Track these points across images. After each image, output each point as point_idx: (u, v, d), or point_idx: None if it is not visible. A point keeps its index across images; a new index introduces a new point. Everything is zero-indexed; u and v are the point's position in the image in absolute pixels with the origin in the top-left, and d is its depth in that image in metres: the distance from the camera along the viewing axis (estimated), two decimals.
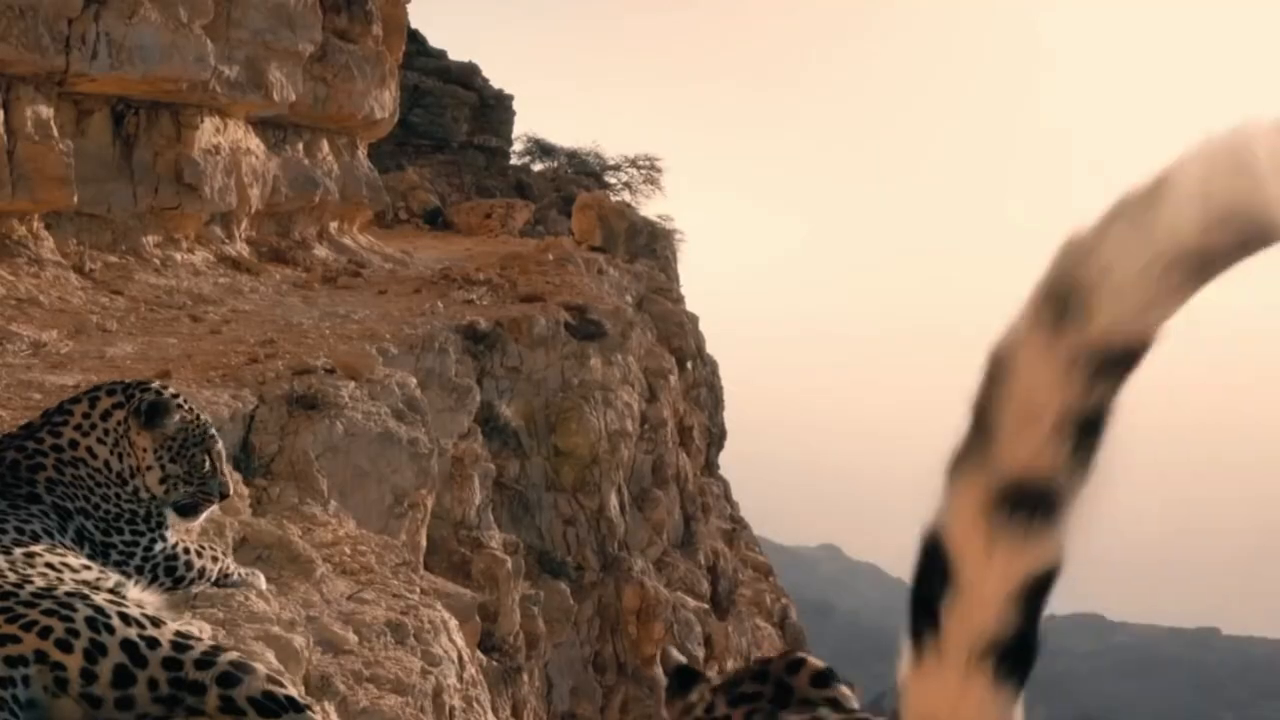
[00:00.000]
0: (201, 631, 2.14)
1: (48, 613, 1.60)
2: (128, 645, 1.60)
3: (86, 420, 2.32)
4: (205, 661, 1.63)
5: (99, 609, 1.64)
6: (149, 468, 2.35)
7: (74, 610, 1.61)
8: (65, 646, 1.57)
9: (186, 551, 2.43)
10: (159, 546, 2.35)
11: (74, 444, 2.29)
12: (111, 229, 8.31)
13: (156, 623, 1.68)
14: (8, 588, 1.65)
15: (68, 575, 1.83)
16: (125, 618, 1.64)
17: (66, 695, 1.57)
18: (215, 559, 2.54)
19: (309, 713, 1.67)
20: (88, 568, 1.94)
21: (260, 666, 1.68)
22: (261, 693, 1.62)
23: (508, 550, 7.59)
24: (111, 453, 2.32)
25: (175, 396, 2.44)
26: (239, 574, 2.62)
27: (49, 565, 1.84)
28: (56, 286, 7.06)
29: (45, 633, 1.57)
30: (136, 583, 2.30)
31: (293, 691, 1.68)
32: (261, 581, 2.68)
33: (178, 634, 1.67)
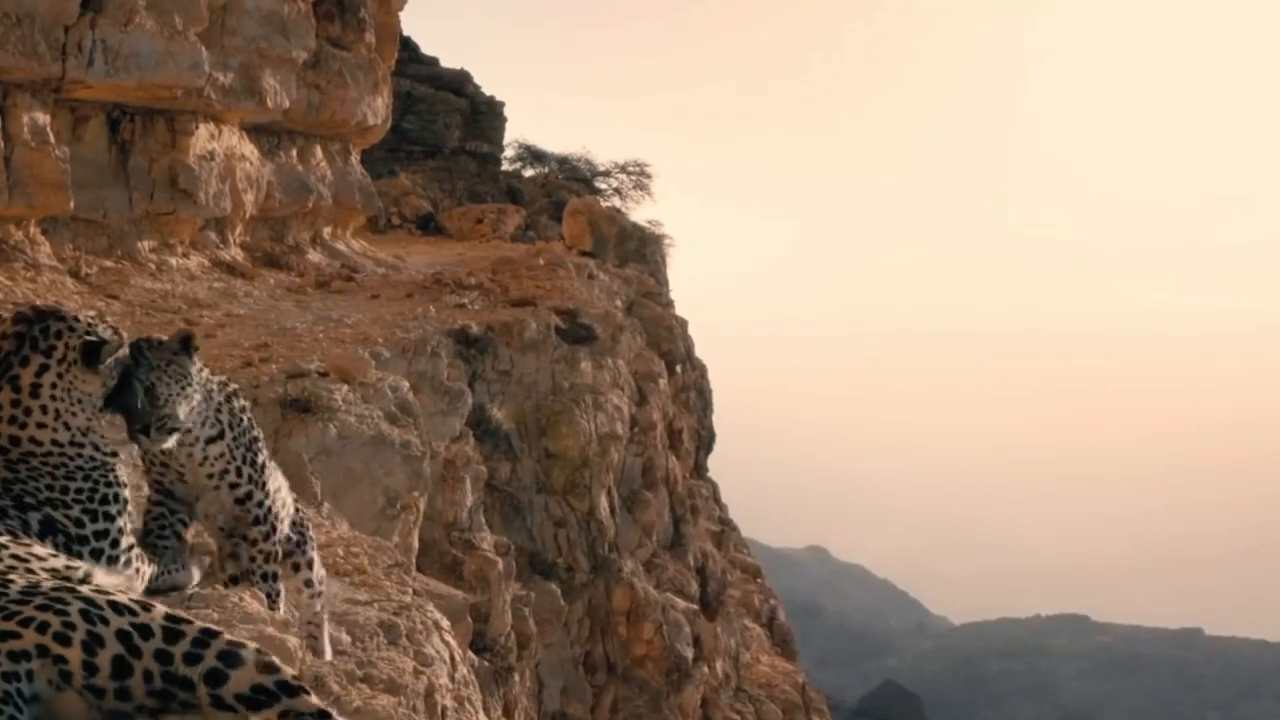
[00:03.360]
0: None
1: (41, 608, 1.61)
2: (123, 635, 1.62)
3: (18, 408, 2.13)
4: (194, 656, 1.63)
5: (90, 600, 1.65)
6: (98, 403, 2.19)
7: (67, 604, 1.62)
8: (64, 640, 1.58)
9: (131, 547, 2.36)
10: (125, 541, 2.27)
11: (15, 440, 2.12)
12: (107, 234, 8.38)
13: (146, 607, 1.69)
14: None
15: (36, 565, 1.82)
16: (116, 606, 1.65)
17: (70, 688, 1.61)
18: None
19: (303, 695, 1.68)
20: (55, 555, 1.92)
21: (249, 656, 1.67)
22: (250, 687, 1.64)
23: (499, 552, 7.70)
24: (56, 421, 2.15)
25: (74, 321, 2.19)
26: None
27: (15, 557, 1.83)
28: (53, 291, 7.14)
29: (43, 628, 1.58)
30: (108, 572, 2.23)
31: (285, 675, 1.69)
32: (195, 576, 2.64)
33: (168, 618, 1.68)
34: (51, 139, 7.50)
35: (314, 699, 1.72)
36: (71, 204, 7.59)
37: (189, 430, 2.40)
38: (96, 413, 2.24)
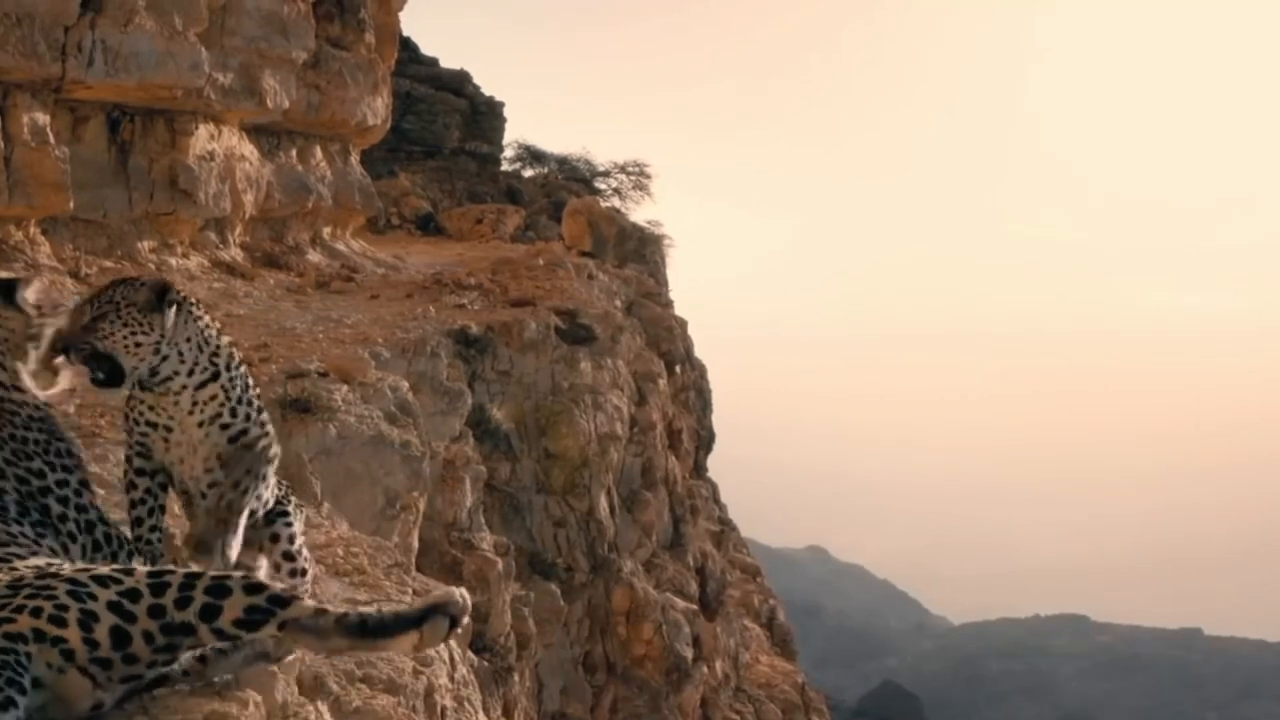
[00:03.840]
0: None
1: (30, 595, 1.65)
2: (113, 605, 1.66)
3: None
4: (184, 600, 1.68)
5: (74, 580, 1.69)
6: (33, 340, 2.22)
7: (54, 588, 1.67)
8: (60, 622, 1.62)
9: (106, 522, 2.35)
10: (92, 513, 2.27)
11: None
12: (107, 234, 8.39)
13: (128, 572, 1.73)
14: None
15: (17, 563, 1.86)
16: (100, 579, 1.70)
17: (73, 665, 1.65)
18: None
19: (297, 602, 1.73)
20: (34, 554, 1.95)
21: (235, 583, 1.72)
22: (244, 609, 1.70)
23: (499, 552, 7.71)
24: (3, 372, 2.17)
25: None
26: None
27: None
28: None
29: (36, 613, 1.62)
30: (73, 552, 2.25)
31: (275, 588, 1.74)
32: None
33: (150, 575, 1.73)
34: (51, 139, 7.51)
35: (308, 601, 1.76)
36: (71, 204, 7.60)
37: (170, 377, 2.26)
38: (15, 356, 2.23)
